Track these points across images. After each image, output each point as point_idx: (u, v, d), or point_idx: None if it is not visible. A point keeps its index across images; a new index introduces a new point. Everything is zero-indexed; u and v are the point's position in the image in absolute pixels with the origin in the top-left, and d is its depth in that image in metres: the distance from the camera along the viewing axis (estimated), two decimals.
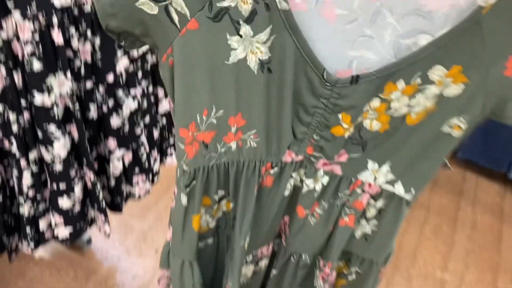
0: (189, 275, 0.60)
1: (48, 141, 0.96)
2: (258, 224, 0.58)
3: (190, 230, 0.56)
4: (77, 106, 0.96)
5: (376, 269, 0.63)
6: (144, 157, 1.18)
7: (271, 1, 0.42)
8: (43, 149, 0.97)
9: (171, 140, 1.31)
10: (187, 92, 0.47)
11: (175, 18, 0.43)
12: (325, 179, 0.54)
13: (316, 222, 0.58)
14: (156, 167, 1.28)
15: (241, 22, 0.43)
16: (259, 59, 0.45)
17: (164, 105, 1.23)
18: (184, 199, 0.54)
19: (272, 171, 0.53)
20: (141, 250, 1.69)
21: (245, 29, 0.43)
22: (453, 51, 0.43)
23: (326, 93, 0.46)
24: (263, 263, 0.66)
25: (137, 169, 1.20)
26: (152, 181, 1.30)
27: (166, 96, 1.23)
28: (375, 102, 0.47)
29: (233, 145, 0.51)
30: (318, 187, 0.55)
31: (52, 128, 0.95)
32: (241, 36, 0.43)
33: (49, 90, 0.91)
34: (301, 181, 0.55)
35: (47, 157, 0.98)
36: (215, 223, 0.61)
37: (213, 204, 0.58)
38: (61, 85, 0.93)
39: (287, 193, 0.56)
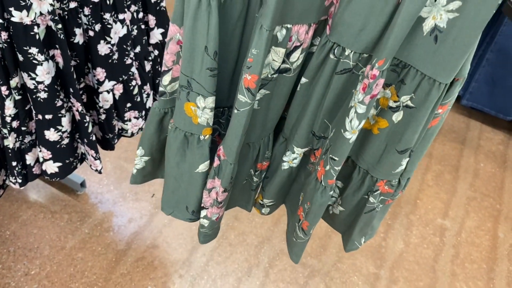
0: (203, 23, 0.47)
1: (30, 66, 0.90)
2: None
3: None
4: (59, 25, 0.88)
5: (435, 98, 0.48)
6: (136, 90, 1.12)
7: None
8: (25, 75, 0.91)
9: None
10: None
11: None
12: None
13: None
14: (149, 102, 1.22)
15: None
16: None
17: (156, 35, 1.15)
18: None
19: None
20: (137, 194, 1.65)
21: None
22: None
23: None
24: (297, 56, 0.51)
25: (128, 105, 1.14)
26: (146, 118, 1.24)
27: (157, 25, 1.14)
28: None
29: None
30: None
31: (33, 50, 0.88)
32: None
33: (28, 8, 0.83)
34: None
35: (30, 83, 0.92)
36: None
37: None
38: (41, 1, 0.85)
39: None
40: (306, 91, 0.54)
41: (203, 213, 0.61)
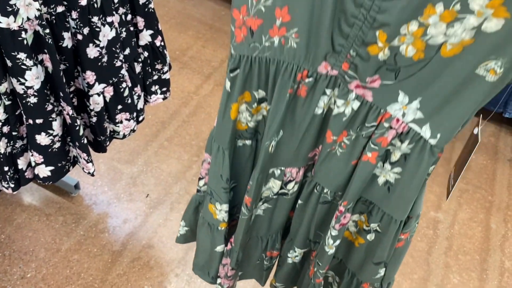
0: (219, 162, 0.67)
1: (19, 71, 0.90)
2: (288, 138, 0.62)
3: (228, 118, 0.62)
4: (47, 30, 0.88)
5: (394, 230, 0.64)
6: (126, 92, 1.12)
7: None
8: (14, 81, 0.91)
9: (155, 76, 1.25)
10: None
11: None
12: (356, 104, 0.56)
13: (342, 152, 0.60)
14: (140, 104, 1.22)
15: None
16: None
17: (145, 37, 1.16)
18: (228, 84, 0.59)
19: (307, 80, 0.56)
20: (131, 195, 1.66)
21: None
22: None
23: (367, 4, 0.47)
24: (291, 186, 0.70)
25: (119, 107, 1.14)
26: (137, 119, 1.24)
27: (146, 27, 1.15)
28: (413, 26, 0.47)
29: (276, 40, 0.54)
30: (348, 111, 0.56)
31: (22, 56, 0.88)
32: None
33: (15, 13, 0.83)
34: (334, 102, 0.57)
35: (19, 88, 0.92)
36: (254, 124, 0.65)
37: (253, 101, 0.61)
38: (28, 7, 0.85)
39: (319, 111, 0.59)
40: (301, 210, 0.71)
41: (218, 280, 0.85)
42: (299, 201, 0.71)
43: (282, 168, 0.67)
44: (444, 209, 1.85)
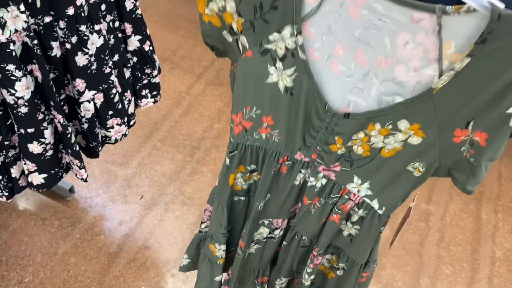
0: (219, 214, 0.85)
1: (8, 82, 0.91)
2: (274, 199, 0.81)
3: (226, 184, 0.80)
4: (35, 41, 0.89)
5: (356, 270, 0.84)
6: (117, 98, 1.13)
7: (296, 51, 0.62)
8: (4, 91, 0.92)
9: (145, 80, 1.26)
10: (241, 92, 0.69)
11: (240, 47, 0.65)
12: (324, 181, 0.74)
13: (315, 212, 0.79)
14: (131, 109, 1.23)
15: (277, 59, 0.64)
16: (285, 85, 0.65)
17: (134, 42, 1.17)
18: (227, 161, 0.77)
19: (287, 163, 0.74)
20: (126, 197, 1.67)
21: (279, 64, 0.64)
22: (414, 112, 0.60)
23: (327, 119, 0.66)
24: (277, 232, 0.87)
25: (110, 112, 1.15)
26: (129, 124, 1.26)
27: (134, 33, 1.16)
28: (361, 134, 0.66)
29: (263, 135, 0.73)
30: (318, 185, 0.75)
31: (11, 67, 0.89)
32: (276, 68, 0.64)
33: (2, 26, 0.84)
34: (308, 177, 0.76)
35: (9, 99, 0.93)
36: (247, 186, 0.83)
37: (246, 172, 0.80)
38: (16, 19, 0.86)
39: (296, 183, 0.77)
40: (286, 249, 0.89)
41: None
42: (284, 242, 0.88)
43: (270, 219, 0.85)
44: (435, 201, 1.88)
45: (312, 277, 0.88)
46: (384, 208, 0.72)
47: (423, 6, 0.53)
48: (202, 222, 0.98)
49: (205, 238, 0.97)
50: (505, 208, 1.91)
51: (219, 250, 0.90)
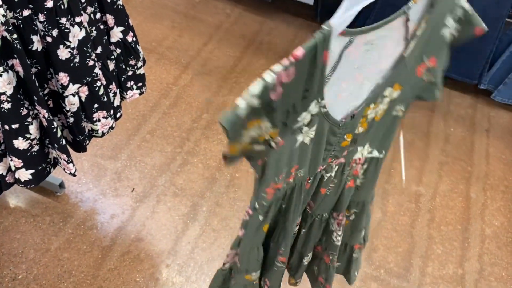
0: (255, 254, 0.92)
1: None
2: (297, 209, 0.88)
3: (261, 233, 0.87)
4: (15, 35, 0.88)
5: (367, 207, 0.96)
6: (102, 90, 1.12)
7: (319, 112, 0.68)
8: None
9: (130, 72, 1.25)
10: (272, 169, 0.73)
11: (273, 145, 0.69)
12: (336, 168, 0.84)
13: (331, 192, 0.88)
14: (116, 101, 1.22)
15: (303, 127, 0.70)
16: (310, 138, 0.73)
17: (116, 34, 1.15)
18: (261, 217, 0.83)
19: (309, 181, 0.84)
20: (116, 190, 1.67)
21: (306, 128, 0.70)
22: (393, 77, 0.73)
23: (340, 131, 0.76)
24: (295, 227, 0.96)
25: (96, 105, 1.14)
26: (115, 116, 1.25)
27: (116, 24, 1.14)
28: (361, 119, 0.77)
29: (291, 180, 0.80)
30: (333, 174, 0.84)
31: None
32: (302, 133, 0.71)
33: None
34: (324, 174, 0.84)
35: None
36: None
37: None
38: None
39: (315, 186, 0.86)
40: (308, 233, 0.98)
41: None
42: (303, 231, 0.97)
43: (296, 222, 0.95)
44: (425, 183, 1.90)
45: (342, 236, 0.99)
46: (383, 152, 0.86)
47: (397, 14, 0.65)
48: (225, 263, 1.00)
49: (229, 273, 1.01)
50: (493, 187, 1.94)
51: (255, 275, 0.97)
